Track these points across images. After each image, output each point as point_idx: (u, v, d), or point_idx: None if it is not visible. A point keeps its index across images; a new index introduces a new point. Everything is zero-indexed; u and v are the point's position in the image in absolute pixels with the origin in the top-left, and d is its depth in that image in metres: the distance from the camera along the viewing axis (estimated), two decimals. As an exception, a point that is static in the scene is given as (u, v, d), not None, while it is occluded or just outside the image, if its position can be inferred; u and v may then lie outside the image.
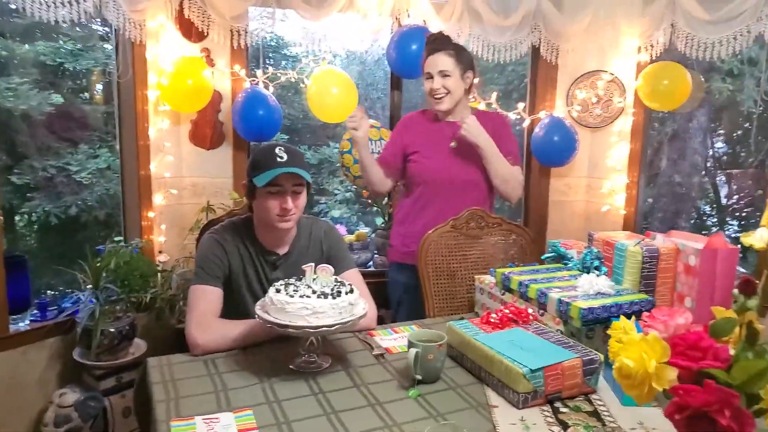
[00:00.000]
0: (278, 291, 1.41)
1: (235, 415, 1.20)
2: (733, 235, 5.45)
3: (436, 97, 2.20)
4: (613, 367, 0.89)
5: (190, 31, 2.74)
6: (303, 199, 1.63)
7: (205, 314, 1.55)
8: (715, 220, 5.61)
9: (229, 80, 2.88)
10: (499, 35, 2.91)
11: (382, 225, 2.92)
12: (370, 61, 5.26)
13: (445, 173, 2.20)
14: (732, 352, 0.86)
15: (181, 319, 2.48)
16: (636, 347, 0.86)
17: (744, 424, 0.77)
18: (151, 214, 2.79)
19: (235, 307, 1.67)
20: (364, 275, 2.63)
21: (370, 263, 2.87)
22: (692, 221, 5.52)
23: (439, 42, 2.22)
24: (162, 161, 2.83)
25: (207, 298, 1.59)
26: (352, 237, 2.88)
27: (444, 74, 2.17)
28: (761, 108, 4.34)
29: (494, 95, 3.04)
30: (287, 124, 5.17)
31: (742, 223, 5.37)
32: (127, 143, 2.76)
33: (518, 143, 2.43)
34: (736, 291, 0.87)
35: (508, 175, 2.22)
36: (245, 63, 2.91)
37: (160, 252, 2.82)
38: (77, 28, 3.86)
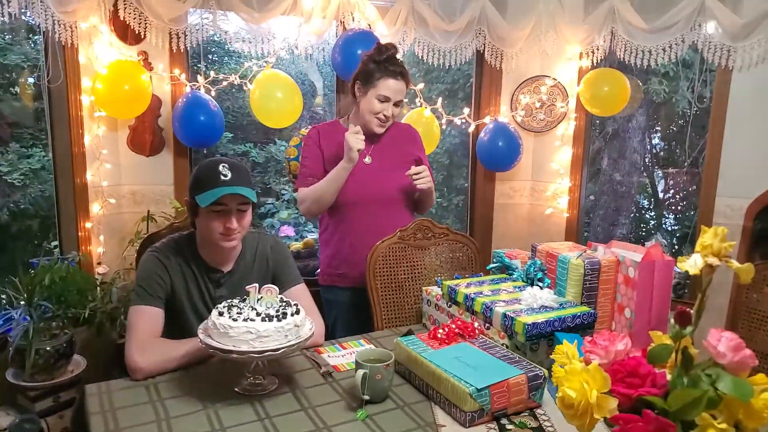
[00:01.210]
0: (221, 314, 1.37)
1: (178, 447, 1.17)
2: (669, 229, 5.69)
3: (382, 121, 2.11)
4: (556, 396, 0.90)
5: (126, 33, 2.63)
6: (248, 218, 1.59)
7: (145, 336, 1.50)
8: (653, 214, 5.84)
9: (168, 85, 2.78)
10: (444, 40, 2.92)
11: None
12: (317, 60, 5.20)
13: (366, 189, 2.11)
14: (669, 377, 0.89)
15: (122, 334, 2.39)
16: (578, 377, 0.87)
17: (680, 452, 0.79)
18: (88, 225, 2.67)
19: (178, 327, 1.62)
20: (314, 284, 2.61)
21: (318, 271, 2.82)
22: (632, 216, 5.72)
23: (400, 64, 2.09)
24: (99, 169, 2.71)
25: (147, 319, 1.53)
26: (299, 245, 2.83)
27: (398, 104, 2.11)
28: (695, 109, 4.53)
29: (439, 101, 3.05)
30: (232, 121, 5.04)
31: (678, 216, 5.60)
32: (61, 151, 2.63)
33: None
34: (672, 320, 0.88)
35: (431, 200, 2.22)
36: (185, 66, 2.81)
37: (99, 264, 2.71)
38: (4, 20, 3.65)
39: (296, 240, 2.95)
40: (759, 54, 2.46)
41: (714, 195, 2.69)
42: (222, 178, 1.51)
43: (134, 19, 2.58)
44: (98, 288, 2.50)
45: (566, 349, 0.97)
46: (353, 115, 2.20)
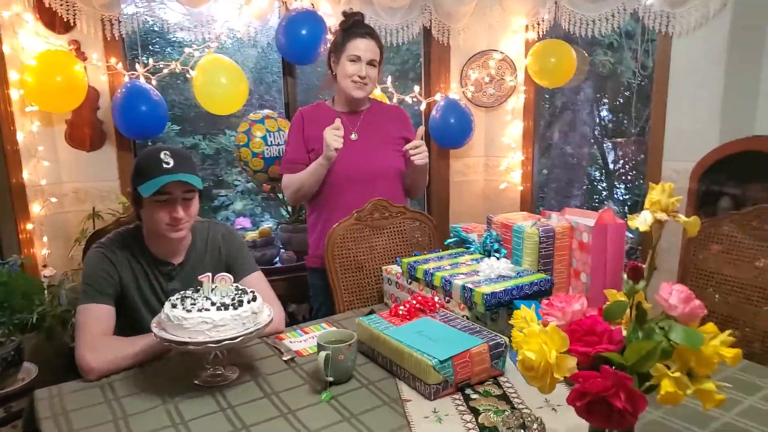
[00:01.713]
0: (174, 306, 1.33)
1: (137, 444, 1.13)
2: (621, 198, 5.84)
3: (358, 82, 2.07)
4: (517, 359, 0.90)
5: (54, 21, 2.50)
6: (195, 206, 1.53)
7: (96, 335, 1.44)
8: (605, 185, 5.98)
9: (105, 75, 2.66)
10: (390, 17, 2.89)
11: (287, 218, 2.84)
12: (263, 43, 5.09)
13: (352, 167, 2.09)
14: (624, 333, 0.90)
15: (75, 336, 2.30)
16: (536, 339, 0.88)
17: (637, 404, 0.80)
18: (29, 226, 2.55)
19: (131, 324, 1.56)
20: (271, 273, 2.57)
21: (277, 260, 2.79)
22: (584, 187, 5.84)
23: (366, 26, 2.11)
24: (36, 167, 2.58)
25: (97, 318, 1.47)
26: (254, 234, 2.78)
27: (372, 63, 2.08)
28: (639, 79, 4.65)
29: (389, 79, 3.03)
30: (178, 113, 4.90)
31: (628, 186, 5.76)
32: (-8, 149, 2.49)
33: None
34: (625, 276, 0.90)
35: (423, 183, 2.24)
36: (122, 55, 2.70)
37: (44, 266, 2.59)
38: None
39: (253, 230, 2.89)
40: (696, 19, 2.52)
41: (660, 160, 2.76)
42: (164, 166, 1.45)
43: (61, 5, 2.45)
44: (46, 291, 2.40)
45: (524, 313, 0.98)
46: (336, 94, 2.21)
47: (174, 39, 5.05)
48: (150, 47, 4.91)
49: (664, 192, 0.94)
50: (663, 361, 0.84)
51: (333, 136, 1.96)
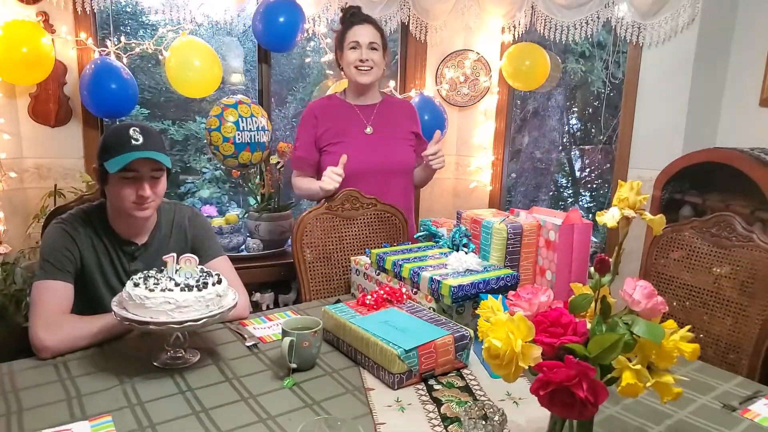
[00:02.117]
0: (137, 285, 1.29)
1: (91, 424, 1.09)
2: (585, 206, 5.96)
3: (362, 68, 2.10)
4: (483, 347, 0.91)
5: (23, -10, 2.41)
6: (162, 185, 1.50)
7: (53, 312, 1.39)
8: (571, 192, 6.09)
9: (74, 49, 2.59)
10: (369, 10, 2.84)
11: (255, 206, 2.80)
12: (237, 30, 5.02)
13: (368, 158, 2.12)
14: (589, 326, 0.92)
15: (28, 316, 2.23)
16: (503, 327, 0.88)
17: (598, 394, 0.82)
18: (-14, 201, 2.46)
19: (91, 304, 1.51)
20: (237, 260, 2.54)
21: (242, 248, 2.75)
22: (551, 193, 5.94)
23: (363, 14, 2.16)
24: (-4, 140, 2.49)
25: (54, 294, 1.42)
26: (221, 220, 2.73)
27: (372, 47, 2.10)
28: (609, 88, 4.75)
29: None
30: (147, 98, 4.80)
31: (593, 194, 5.88)
32: (-49, 120, 2.40)
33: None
34: (591, 269, 0.91)
35: (432, 177, 2.31)
36: (92, 31, 2.63)
37: (-1, 243, 2.50)
38: None
39: (218, 218, 2.84)
40: (666, 31, 2.59)
41: (627, 167, 2.83)
42: (133, 142, 1.41)
43: (31, -25, 2.37)
44: (0, 269, 2.32)
45: (491, 303, 0.99)
46: (347, 87, 2.25)
47: (147, 22, 4.94)
48: (122, 28, 4.80)
49: (633, 189, 0.96)
50: (625, 354, 0.86)
51: (330, 178, 1.99)
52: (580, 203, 6.04)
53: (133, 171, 1.43)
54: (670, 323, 0.93)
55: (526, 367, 0.87)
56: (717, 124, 2.67)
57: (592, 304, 0.93)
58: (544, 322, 0.91)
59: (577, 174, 5.99)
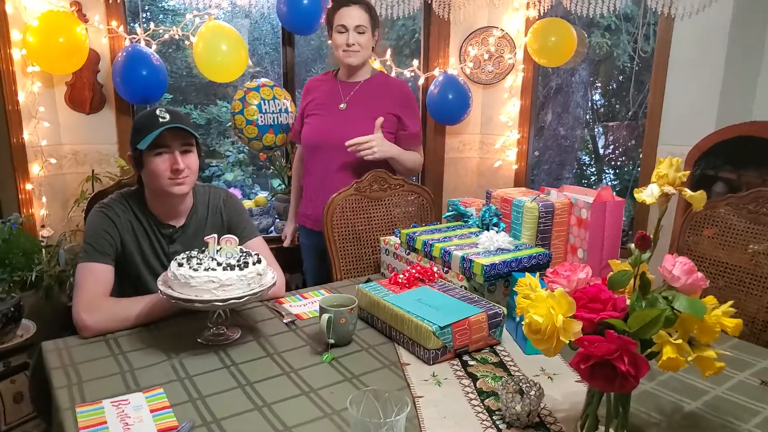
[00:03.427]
0: (180, 265, 1.34)
1: (145, 396, 1.14)
2: (610, 183, 5.88)
3: (350, 51, 2.12)
4: (523, 323, 0.93)
5: (56, -19, 2.45)
6: (194, 158, 1.54)
7: (94, 294, 1.44)
8: (594, 170, 6.02)
9: (106, 38, 2.63)
10: (392, -10, 2.86)
11: (281, 188, 2.83)
12: (256, 14, 5.01)
13: (331, 133, 2.13)
14: (628, 302, 0.93)
15: (72, 296, 2.31)
16: (544, 303, 0.90)
17: (639, 368, 0.83)
18: (29, 186, 2.53)
19: (131, 284, 1.57)
20: (267, 241, 2.58)
21: (272, 229, 2.79)
22: (574, 171, 5.88)
23: None
24: (36, 128, 2.56)
25: (96, 277, 1.47)
26: (250, 203, 2.77)
27: (359, 30, 2.10)
28: (636, 63, 4.66)
29: (388, 52, 3.01)
30: (170, 83, 4.82)
31: (618, 171, 5.80)
32: (-7, 109, 2.46)
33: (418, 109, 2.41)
34: (632, 245, 0.92)
35: (412, 164, 2.23)
36: (123, 18, 2.66)
37: (42, 226, 2.58)
38: None
39: (245, 200, 2.89)
40: (701, 1, 2.52)
41: (656, 143, 2.79)
42: (160, 120, 1.46)
43: (62, -35, 2.41)
44: (44, 251, 2.39)
45: (529, 281, 1.00)
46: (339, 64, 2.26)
47: (168, 7, 4.96)
48: (143, 13, 4.83)
49: (672, 166, 0.96)
50: (666, 329, 0.87)
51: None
52: (604, 181, 5.97)
53: (164, 147, 1.47)
54: (710, 299, 0.93)
55: (567, 342, 0.89)
56: (753, 96, 2.60)
57: (631, 281, 0.94)
58: (583, 298, 0.92)
59: (601, 151, 5.91)
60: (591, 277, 0.98)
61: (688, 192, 0.97)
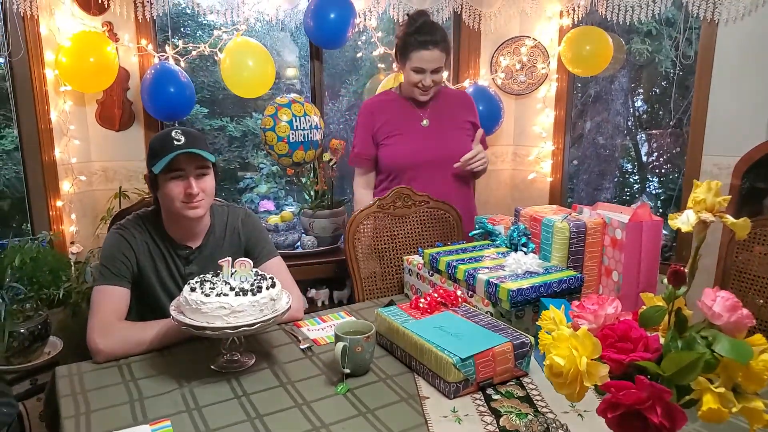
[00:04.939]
0: (193, 290, 1.30)
1: (151, 428, 1.11)
2: (653, 192, 5.68)
3: (422, 91, 2.12)
4: (544, 364, 0.84)
5: (89, 2, 2.51)
6: (210, 182, 1.50)
7: (109, 318, 1.43)
8: (637, 178, 5.82)
9: (135, 56, 2.66)
10: (420, 1, 2.81)
11: (309, 204, 2.80)
12: (290, 26, 5.04)
13: (424, 152, 2.14)
14: (662, 341, 0.84)
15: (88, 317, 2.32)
16: (566, 343, 0.82)
17: (675, 419, 0.74)
18: (59, 203, 2.58)
19: (148, 307, 1.55)
20: (293, 257, 2.55)
21: (298, 244, 2.76)
22: (615, 179, 5.69)
23: (429, 32, 2.05)
24: (68, 145, 2.61)
25: (111, 300, 1.46)
26: (276, 218, 2.75)
27: (437, 70, 2.09)
28: (679, 68, 4.48)
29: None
30: (206, 96, 4.90)
31: (662, 180, 5.59)
32: (27, 127, 2.51)
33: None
34: (665, 279, 0.83)
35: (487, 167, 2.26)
36: (152, 37, 2.69)
37: (72, 243, 2.62)
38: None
39: (276, 213, 2.86)
40: (745, 5, 2.39)
41: (700, 154, 2.64)
42: (175, 143, 1.43)
43: (95, -14, 2.44)
44: (72, 268, 2.42)
45: (553, 314, 0.92)
46: (403, 84, 2.23)
47: (205, 22, 5.04)
48: (182, 29, 4.92)
49: (711, 191, 0.87)
50: (705, 375, 0.77)
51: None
52: (648, 190, 5.75)
53: (178, 170, 1.44)
54: (758, 338, 0.83)
55: (592, 386, 0.80)
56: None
57: (666, 317, 0.85)
58: (611, 336, 0.84)
59: (644, 159, 5.70)
60: (621, 312, 0.90)
61: (729, 219, 0.87)
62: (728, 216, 0.88)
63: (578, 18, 2.86)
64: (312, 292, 2.72)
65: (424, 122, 2.18)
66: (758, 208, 2.34)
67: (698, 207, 0.88)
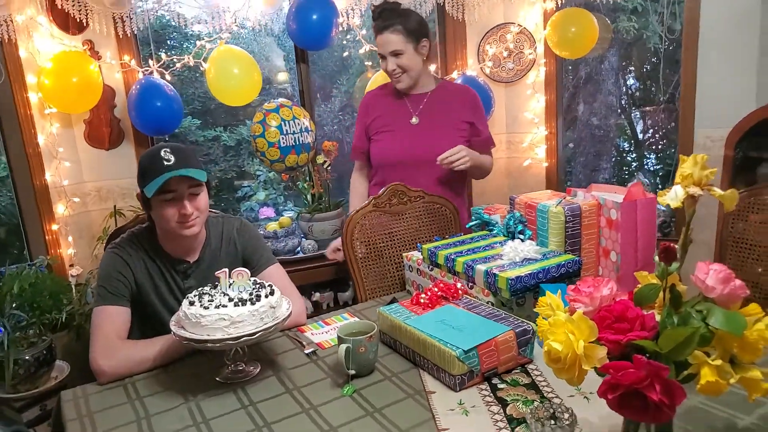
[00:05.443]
0: (192, 303, 1.30)
1: (159, 445, 1.11)
2: (652, 169, 5.66)
3: (394, 77, 2.11)
4: (543, 350, 0.85)
5: (67, 22, 2.50)
6: (203, 199, 1.50)
7: (110, 338, 1.43)
8: (634, 156, 5.80)
9: (119, 72, 2.66)
10: (402, -3, 2.80)
11: (306, 208, 2.80)
12: (277, 31, 5.02)
13: (408, 150, 2.12)
14: (658, 318, 0.84)
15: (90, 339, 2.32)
16: (562, 328, 0.82)
17: (674, 395, 0.74)
18: (54, 227, 2.58)
19: (150, 323, 1.55)
20: (294, 263, 2.55)
21: (299, 249, 2.76)
22: (613, 159, 5.68)
23: (385, 17, 2.07)
24: (58, 168, 2.60)
25: (111, 320, 1.46)
26: (275, 225, 2.75)
27: (396, 53, 2.06)
28: (667, 43, 4.46)
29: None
30: (198, 107, 4.90)
31: (659, 155, 5.57)
32: (15, 153, 2.51)
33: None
34: (656, 258, 0.83)
35: (488, 168, 2.26)
36: (135, 52, 2.69)
37: (71, 266, 2.62)
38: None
39: (276, 220, 2.86)
40: (726, -23, 2.38)
41: (692, 127, 2.63)
42: (165, 163, 1.41)
43: (73, 6, 2.44)
44: (74, 290, 2.42)
45: (549, 300, 0.92)
46: None
47: (191, 33, 5.03)
48: (168, 41, 4.91)
49: (697, 164, 0.87)
50: (702, 348, 0.77)
51: (331, 253, 2.25)
52: (646, 167, 5.74)
53: (170, 191, 1.43)
54: (753, 308, 0.83)
55: (591, 369, 0.81)
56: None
57: (660, 294, 0.85)
58: (608, 317, 0.84)
59: (640, 137, 5.69)
60: (617, 292, 0.90)
61: (717, 191, 0.87)
62: (716, 188, 0.88)
63: (562, 1, 2.85)
64: (316, 296, 2.72)
65: (414, 120, 2.16)
66: (753, 178, 2.34)
67: (686, 182, 0.88)
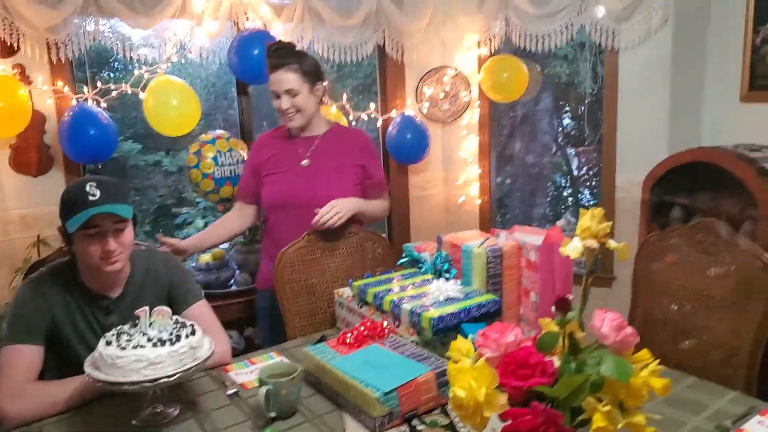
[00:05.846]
0: (109, 343, 1.27)
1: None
2: (586, 203, 5.90)
3: (285, 116, 2.07)
4: (449, 397, 0.88)
5: (-3, 45, 2.41)
6: (128, 235, 1.46)
7: (17, 380, 1.35)
8: (570, 191, 6.04)
9: (51, 99, 2.58)
10: (343, 36, 2.87)
11: (241, 240, 2.78)
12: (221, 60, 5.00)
13: (296, 192, 2.07)
14: (557, 364, 0.89)
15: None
16: (466, 375, 0.85)
17: (569, 441, 0.78)
18: (-28, 256, 2.45)
19: (66, 362, 1.48)
20: (226, 296, 2.51)
21: (232, 282, 2.72)
22: (550, 194, 5.90)
23: (280, 55, 2.04)
24: (-21, 195, 2.48)
25: (21, 360, 1.38)
26: (207, 257, 2.71)
27: (291, 93, 2.03)
28: (594, 89, 4.73)
29: (344, 96, 3.01)
30: (140, 132, 4.79)
31: (593, 191, 5.83)
32: (-68, 176, 2.39)
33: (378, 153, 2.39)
34: (553, 308, 0.88)
35: (379, 212, 2.23)
36: (69, 78, 2.62)
37: (-13, 297, 2.48)
38: None
39: (206, 252, 2.81)
40: (640, 34, 2.58)
41: (614, 172, 2.80)
42: (90, 198, 1.37)
43: (4, 30, 2.37)
44: (-12, 325, 2.29)
45: (460, 344, 0.96)
46: None
47: (137, 57, 4.95)
48: (111, 63, 4.81)
49: (594, 218, 0.94)
50: (594, 394, 0.82)
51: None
52: (581, 201, 5.98)
53: (95, 227, 1.39)
54: (644, 354, 0.89)
55: (491, 416, 0.84)
56: (700, 122, 2.65)
57: (559, 341, 0.90)
58: (512, 363, 0.88)
59: (575, 173, 5.94)
60: (522, 339, 0.94)
61: (612, 244, 0.94)
62: (611, 241, 0.94)
63: (495, 47, 2.99)
64: (249, 331, 2.68)
65: (304, 162, 2.12)
66: (667, 220, 2.49)
67: (584, 234, 0.94)
